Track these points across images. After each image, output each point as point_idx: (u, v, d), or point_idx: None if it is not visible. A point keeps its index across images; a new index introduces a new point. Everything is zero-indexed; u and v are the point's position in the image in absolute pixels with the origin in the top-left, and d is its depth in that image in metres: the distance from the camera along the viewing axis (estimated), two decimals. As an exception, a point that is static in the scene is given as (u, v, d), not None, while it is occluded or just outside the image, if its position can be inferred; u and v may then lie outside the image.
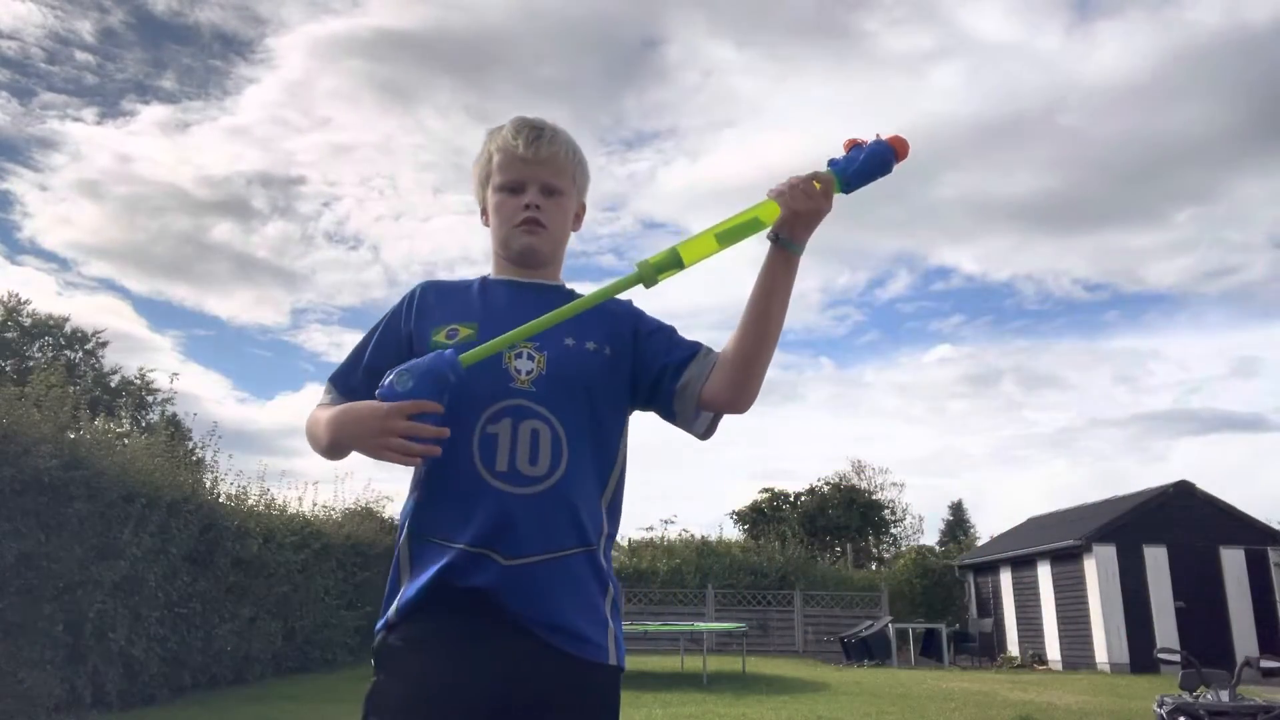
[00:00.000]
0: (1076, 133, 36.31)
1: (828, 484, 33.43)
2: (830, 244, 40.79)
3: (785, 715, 8.17)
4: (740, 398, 1.49)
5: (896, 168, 1.45)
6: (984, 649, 18.86)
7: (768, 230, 1.43)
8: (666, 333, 1.59)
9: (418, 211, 46.56)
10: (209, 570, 9.18)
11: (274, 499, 11.49)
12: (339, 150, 44.30)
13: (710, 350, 1.54)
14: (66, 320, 31.27)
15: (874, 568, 27.72)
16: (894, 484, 35.04)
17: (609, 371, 1.52)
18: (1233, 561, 16.52)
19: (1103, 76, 36.62)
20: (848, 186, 1.43)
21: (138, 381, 31.14)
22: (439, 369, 1.33)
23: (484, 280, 1.61)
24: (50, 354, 29.72)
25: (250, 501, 10.69)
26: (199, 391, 44.07)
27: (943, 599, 21.26)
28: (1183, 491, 17.04)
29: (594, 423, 1.49)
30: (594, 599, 1.44)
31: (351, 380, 1.54)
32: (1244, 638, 15.82)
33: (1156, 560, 16.31)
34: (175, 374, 50.39)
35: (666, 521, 35.96)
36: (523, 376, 1.45)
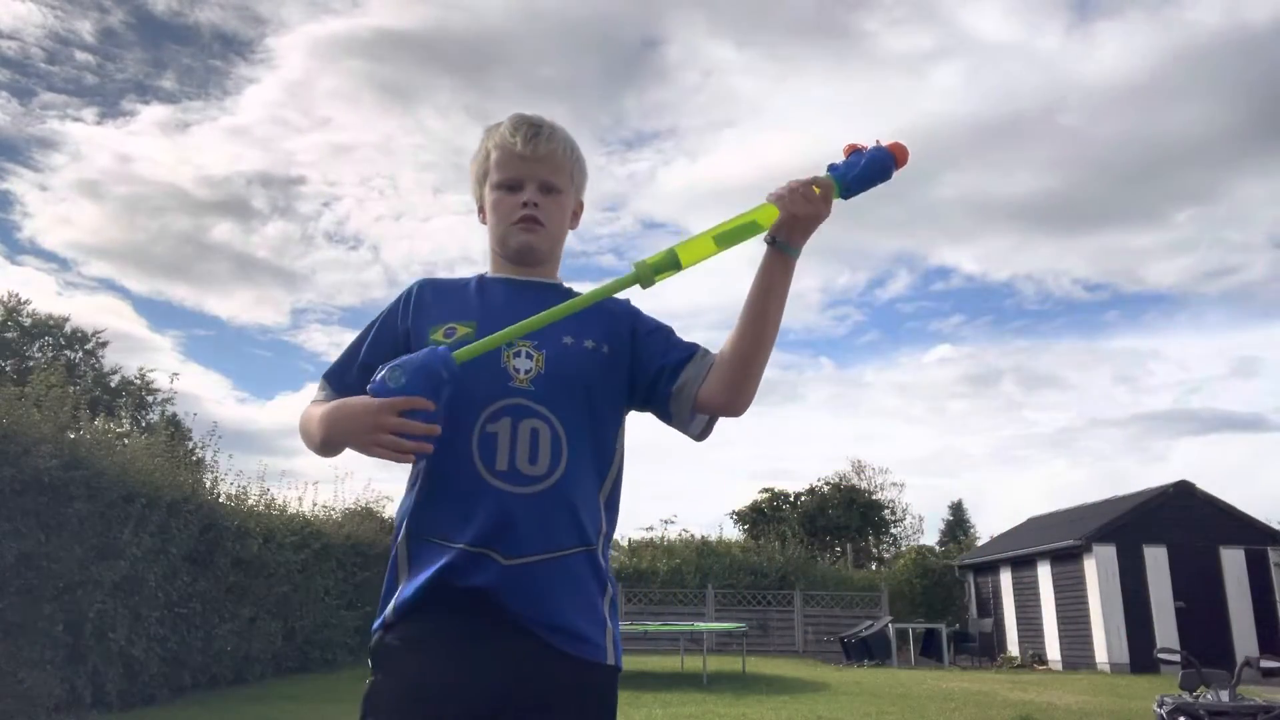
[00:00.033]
0: (1076, 133, 36.34)
1: (828, 484, 33.45)
2: (830, 244, 40.82)
3: (785, 715, 8.17)
4: (736, 400, 1.49)
5: (896, 174, 1.45)
6: (984, 649, 18.86)
7: (765, 233, 1.43)
8: (664, 333, 1.58)
9: (418, 211, 46.60)
10: (209, 570, 9.18)
11: (274, 499, 11.51)
12: (339, 150, 44.33)
13: (707, 352, 1.54)
14: (66, 320, 31.31)
15: (874, 568, 27.74)
16: (894, 484, 35.09)
17: (607, 370, 1.52)
18: (1233, 561, 16.52)
19: (1103, 76, 36.64)
20: (847, 192, 1.43)
21: (138, 381, 31.16)
22: (432, 365, 1.32)
23: (481, 278, 1.61)
24: (50, 354, 29.72)
25: (250, 501, 10.69)
26: (199, 391, 44.09)
27: (943, 599, 21.27)
28: (1183, 491, 17.04)
29: (593, 421, 1.48)
30: (593, 599, 1.44)
31: (346, 377, 1.53)
32: (1244, 638, 15.83)
33: (1156, 560, 16.32)
34: (175, 374, 50.46)
35: (666, 521, 36.00)
36: (521, 375, 1.45)
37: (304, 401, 1.58)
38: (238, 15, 41.15)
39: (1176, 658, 5.14)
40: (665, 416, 1.55)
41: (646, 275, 1.40)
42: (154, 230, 45.13)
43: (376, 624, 1.44)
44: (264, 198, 45.65)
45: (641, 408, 1.58)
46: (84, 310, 44.23)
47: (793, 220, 1.40)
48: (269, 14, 41.43)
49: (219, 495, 10.06)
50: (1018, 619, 18.85)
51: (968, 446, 51.86)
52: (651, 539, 22.82)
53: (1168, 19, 36.91)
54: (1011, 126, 38.98)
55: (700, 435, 1.55)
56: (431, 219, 45.10)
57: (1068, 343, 48.70)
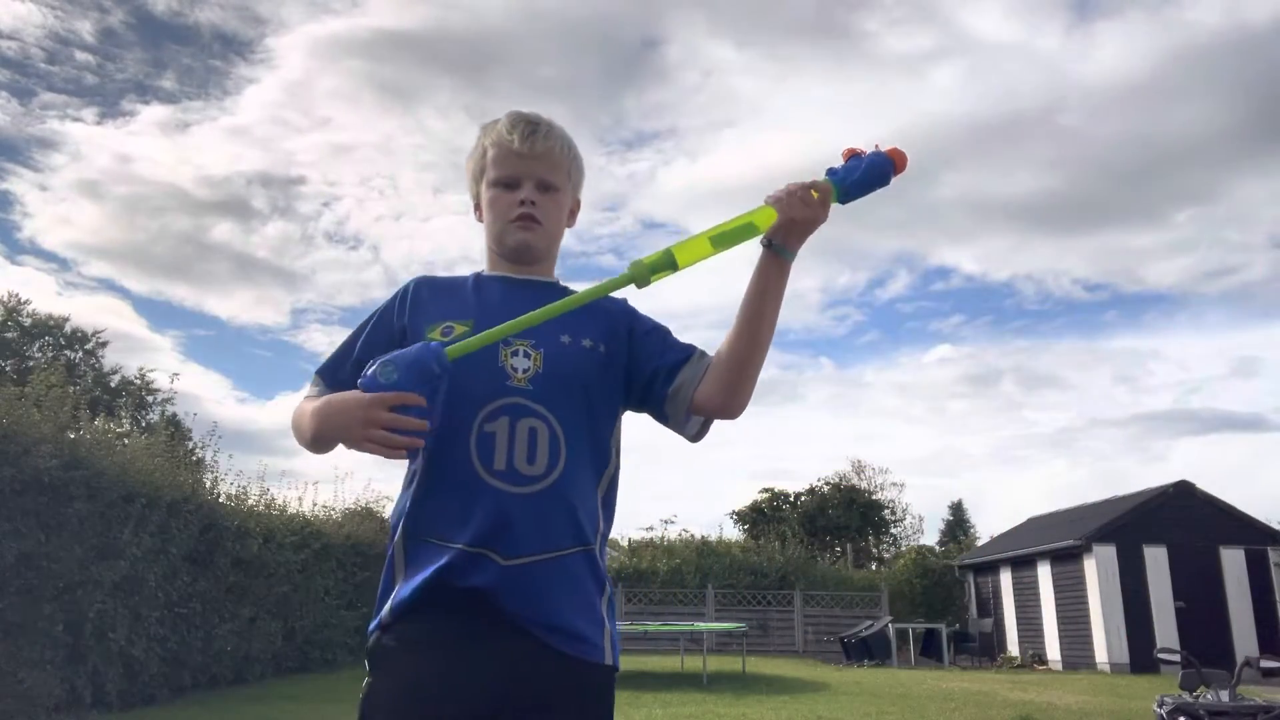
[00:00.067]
0: (1076, 133, 36.36)
1: (828, 484, 33.46)
2: (830, 244, 40.81)
3: (785, 715, 8.17)
4: (733, 402, 1.48)
5: (894, 180, 1.45)
6: (984, 649, 18.87)
7: (761, 236, 1.43)
8: (661, 334, 1.58)
9: (418, 211, 46.59)
10: (209, 570, 9.18)
11: (274, 499, 11.50)
12: (339, 150, 44.35)
13: (704, 354, 1.53)
14: (66, 320, 31.33)
15: (874, 568, 27.74)
16: (894, 484, 35.09)
17: (605, 370, 1.51)
18: (1233, 561, 16.52)
19: (1102, 76, 36.64)
20: (845, 197, 1.43)
21: (138, 381, 31.17)
22: (424, 361, 1.31)
23: (478, 277, 1.60)
24: (50, 354, 29.73)
25: (250, 501, 10.68)
26: (199, 391, 44.11)
27: (943, 599, 21.27)
28: (1183, 491, 17.04)
29: (590, 421, 1.48)
30: (591, 598, 1.44)
31: (340, 374, 1.52)
32: (1244, 638, 15.83)
33: (1156, 560, 16.32)
34: (176, 374, 50.45)
35: (666, 521, 35.94)
36: (519, 375, 1.44)
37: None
38: (238, 15, 41.19)
39: (1176, 658, 5.14)
40: (661, 417, 1.55)
41: (642, 275, 1.39)
42: (154, 230, 45.18)
43: (373, 625, 1.43)
44: (264, 198, 45.69)
45: (637, 408, 1.57)
46: (84, 310, 44.28)
47: (790, 224, 1.40)
48: (269, 14, 41.47)
49: (219, 495, 10.06)
50: (1018, 619, 18.85)
51: (968, 446, 51.89)
52: (651, 539, 22.85)
53: (1167, 19, 36.95)
54: (1011, 126, 39.02)
55: (696, 437, 1.55)
56: (431, 219, 45.10)
57: (1068, 343, 48.74)
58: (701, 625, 14.84)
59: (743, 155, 41.01)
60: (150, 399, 30.70)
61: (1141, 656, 14.90)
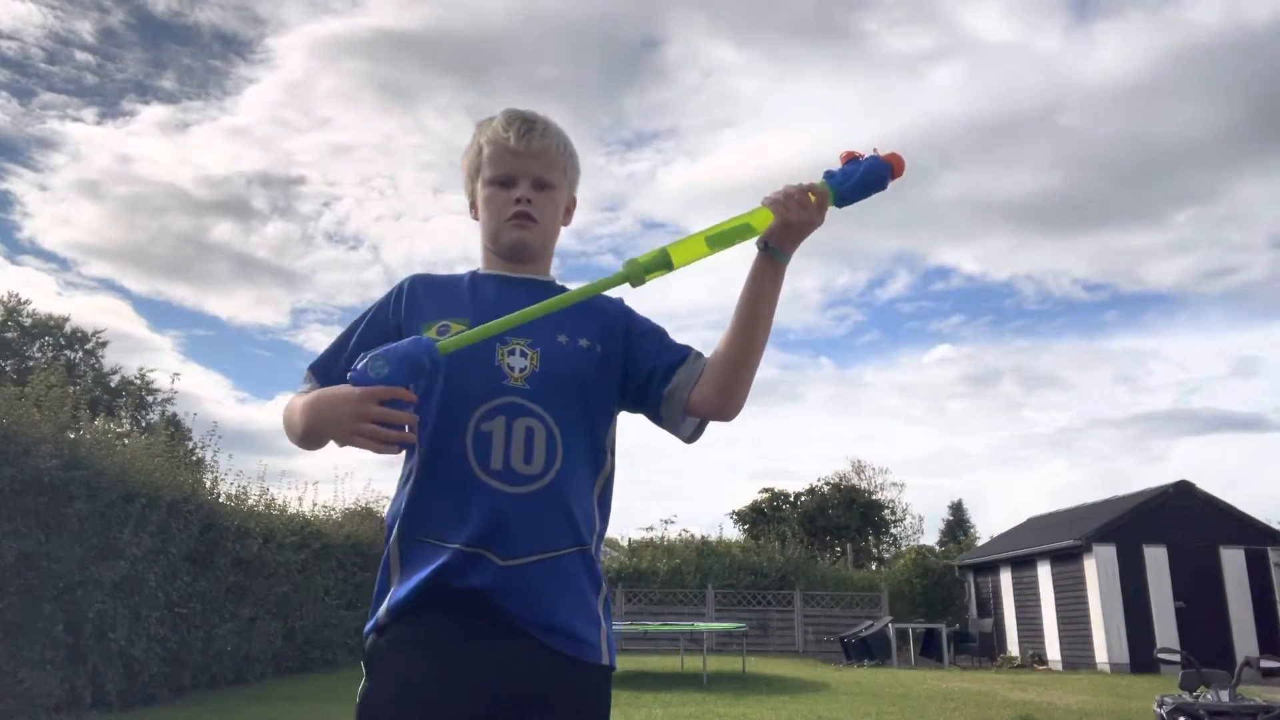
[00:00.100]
0: (1076, 133, 36.33)
1: (828, 484, 33.45)
2: (830, 244, 40.79)
3: (785, 715, 8.17)
4: (728, 404, 1.48)
5: (891, 185, 1.45)
6: (984, 649, 18.86)
7: (757, 238, 1.42)
8: (658, 335, 1.57)
9: (418, 211, 46.59)
10: (209, 570, 9.18)
11: (274, 499, 11.51)
12: (339, 150, 44.35)
13: (700, 355, 1.53)
14: (66, 320, 31.34)
15: (874, 568, 27.73)
16: (894, 484, 35.08)
17: (601, 369, 1.51)
18: (1233, 561, 16.52)
19: (1102, 76, 36.63)
20: (842, 201, 1.43)
21: (138, 381, 31.18)
22: (416, 355, 1.30)
23: (474, 275, 1.59)
24: (50, 354, 29.73)
25: (250, 501, 10.69)
26: (199, 391, 44.12)
27: (943, 599, 21.26)
28: (1183, 491, 17.04)
29: (587, 420, 1.47)
30: (587, 598, 1.43)
31: (333, 371, 1.50)
32: (1244, 638, 15.82)
33: (1156, 560, 16.31)
34: (176, 374, 50.41)
35: (666, 521, 36.03)
36: (516, 374, 1.43)
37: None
38: (238, 15, 41.19)
39: (1176, 658, 5.14)
40: (656, 419, 1.55)
41: (637, 274, 1.39)
42: (154, 230, 45.19)
43: (369, 626, 1.42)
44: (264, 198, 45.70)
45: (632, 409, 1.57)
46: (84, 310, 44.30)
47: (786, 226, 1.39)
48: (269, 14, 41.46)
49: (219, 495, 10.06)
50: (1018, 619, 18.85)
51: (968, 446, 51.90)
52: (651, 539, 22.85)
53: (1167, 19, 36.94)
54: (1011, 126, 39.02)
55: (691, 438, 1.54)
56: (431, 219, 45.07)
57: (1068, 343, 48.75)
58: (701, 625, 14.83)
59: (743, 155, 41.06)
60: (150, 399, 30.72)
61: (1141, 656, 14.90)
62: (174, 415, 25.63)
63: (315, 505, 13.02)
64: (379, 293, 1.60)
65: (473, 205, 1.62)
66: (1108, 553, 16.31)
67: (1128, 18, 37.49)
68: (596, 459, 1.50)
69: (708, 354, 1.52)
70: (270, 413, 45.61)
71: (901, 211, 35.09)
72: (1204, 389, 49.80)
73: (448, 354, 1.33)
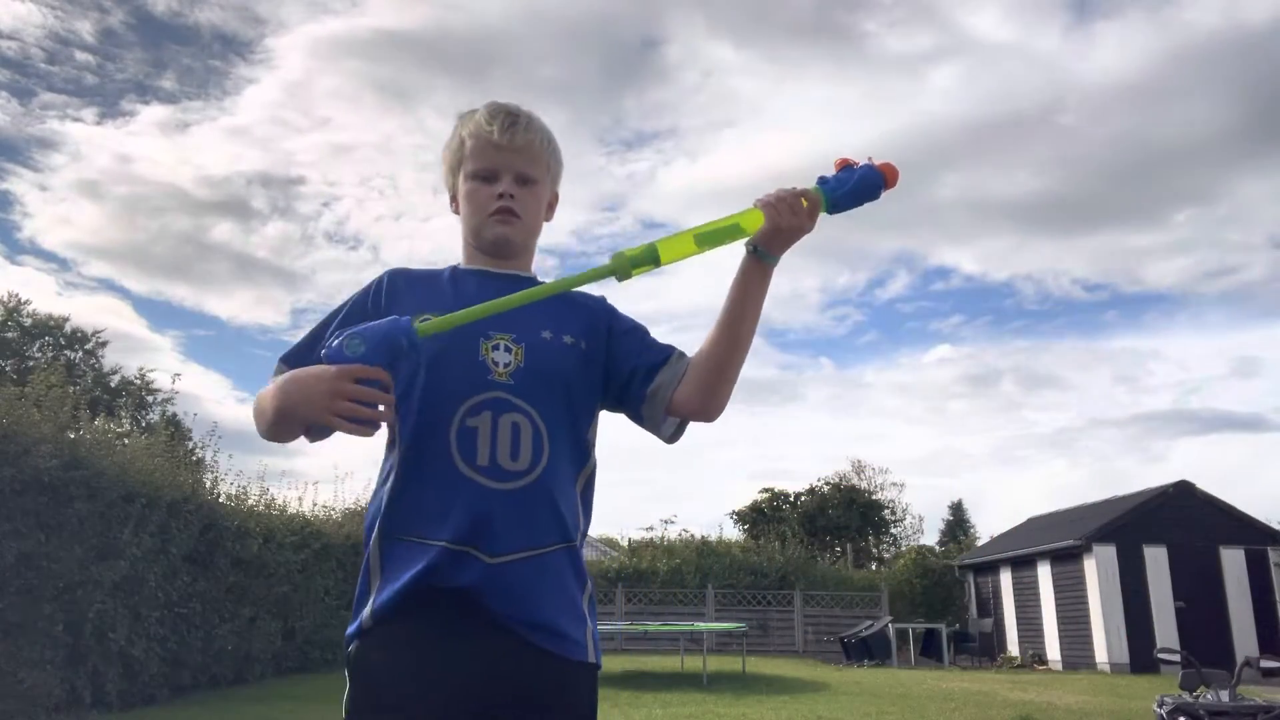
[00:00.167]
0: (1075, 133, 36.35)
1: (828, 484, 33.45)
2: (830, 244, 40.78)
3: (785, 715, 8.17)
4: (711, 405, 1.47)
5: (883, 194, 1.45)
6: (984, 649, 18.86)
7: (746, 239, 1.42)
8: (639, 334, 1.56)
9: (418, 211, 46.57)
10: (209, 570, 9.18)
11: (274, 499, 11.52)
12: (339, 150, 44.39)
13: (683, 355, 1.52)
14: (66, 320, 31.35)
15: (874, 568, 27.73)
16: (894, 484, 35.10)
17: (585, 366, 1.49)
18: (1233, 561, 16.51)
19: (1101, 77, 36.66)
20: (834, 207, 1.43)
21: (138, 381, 31.19)
22: (393, 335, 1.27)
23: (454, 269, 1.57)
24: (50, 354, 29.73)
25: (250, 501, 10.69)
26: (199, 391, 44.17)
27: (943, 599, 21.26)
28: (1183, 491, 17.04)
29: (570, 416, 1.46)
30: (574, 595, 1.42)
31: (306, 363, 1.43)
32: (1244, 638, 15.82)
33: (1156, 560, 16.31)
34: (177, 374, 50.43)
35: (666, 521, 36.10)
36: (501, 369, 1.41)
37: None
38: (238, 15, 41.22)
39: (1176, 658, 5.14)
40: (637, 418, 1.53)
41: (624, 268, 1.38)
42: (154, 230, 45.22)
43: (351, 630, 1.39)
44: (264, 198, 45.73)
45: (613, 407, 1.55)
46: (84, 310, 44.35)
47: (776, 230, 1.39)
48: (268, 14, 41.49)
49: (219, 495, 10.06)
50: (1018, 619, 18.85)
51: (968, 446, 51.95)
52: (651, 539, 22.85)
53: (1166, 19, 36.95)
54: (1010, 127, 39.02)
55: (671, 438, 1.53)
56: (431, 219, 45.01)
57: (1067, 343, 48.81)
58: (701, 625, 14.83)
59: (742, 155, 41.04)
60: (150, 399, 30.72)
61: (1141, 656, 14.90)
62: (174, 415, 25.65)
63: (315, 505, 13.05)
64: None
65: (453, 199, 1.60)
66: (1108, 553, 16.31)
67: (1127, 18, 37.54)
68: (580, 456, 1.49)
69: (691, 355, 1.51)
70: (270, 413, 45.57)
71: (901, 211, 35.11)
72: (1204, 389, 49.87)
73: (426, 336, 1.30)
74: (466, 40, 40.25)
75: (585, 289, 1.51)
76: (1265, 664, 5.56)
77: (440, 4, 39.73)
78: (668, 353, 1.52)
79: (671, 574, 20.19)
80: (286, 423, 1.35)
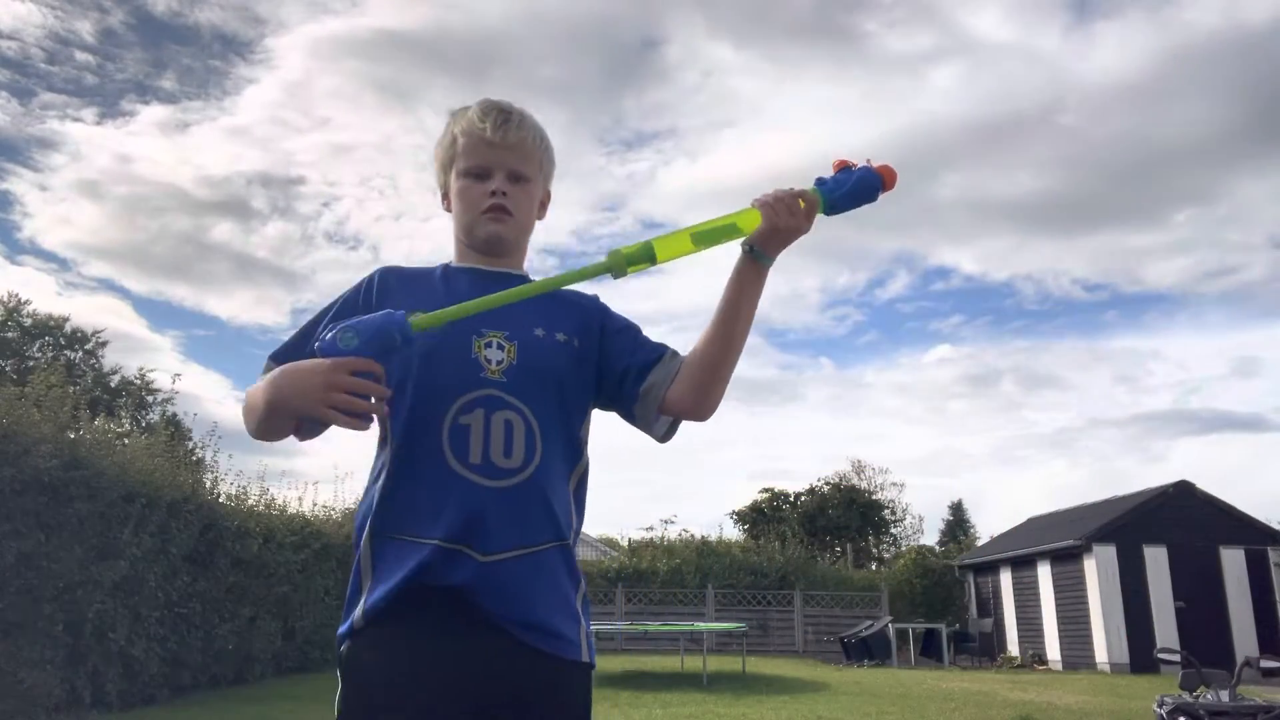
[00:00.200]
0: (1075, 133, 36.35)
1: (828, 484, 33.46)
2: (830, 244, 40.80)
3: (785, 715, 8.17)
4: (704, 404, 1.47)
5: (881, 197, 1.45)
6: (984, 649, 18.86)
7: (742, 239, 1.42)
8: (632, 333, 1.56)
9: (418, 211, 46.55)
10: (209, 570, 9.18)
11: (274, 499, 11.51)
12: (339, 150, 44.40)
13: (676, 353, 1.51)
14: (66, 320, 31.36)
15: (874, 568, 27.74)
16: (894, 484, 35.12)
17: (578, 364, 1.49)
18: (1233, 561, 16.51)
19: (1102, 77, 36.66)
20: (832, 209, 1.43)
21: (138, 381, 31.19)
22: (387, 329, 1.26)
23: (446, 268, 1.56)
24: (50, 354, 29.74)
25: (250, 501, 10.69)
26: (199, 391, 44.24)
27: (943, 599, 21.26)
28: (1183, 491, 17.04)
29: (563, 414, 1.45)
30: (567, 594, 1.41)
31: (296, 360, 1.43)
32: (1244, 638, 15.82)
33: (1156, 560, 16.31)
34: (177, 374, 50.45)
35: (666, 521, 36.08)
36: (493, 366, 1.41)
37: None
38: (237, 15, 41.22)
39: (1176, 658, 5.14)
40: (629, 417, 1.53)
41: (620, 265, 1.37)
42: (154, 230, 45.24)
43: (343, 630, 1.38)
44: (264, 198, 45.74)
45: (606, 406, 1.55)
46: (84, 310, 44.36)
47: (773, 231, 1.38)
48: (268, 14, 41.50)
49: (219, 495, 10.06)
50: (1018, 619, 18.85)
51: (968, 446, 51.98)
52: (651, 539, 22.85)
53: (1166, 19, 36.95)
54: (1011, 127, 39.02)
55: (664, 437, 1.53)
56: (431, 219, 45.04)
57: (1067, 343, 48.83)
58: (701, 625, 14.83)
59: (742, 155, 41.03)
60: (150, 399, 30.72)
61: (1141, 656, 14.90)
62: (174, 415, 25.62)
63: (315, 505, 13.03)
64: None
65: (445, 196, 1.59)
66: (1108, 553, 16.31)
67: (1127, 18, 37.54)
68: (573, 454, 1.48)
69: (684, 354, 1.51)
70: (270, 413, 45.57)
71: (901, 211, 35.11)
72: (1204, 389, 49.90)
73: (419, 331, 1.30)
74: (466, 40, 40.28)
75: (578, 287, 1.51)
76: (1265, 664, 5.56)
77: (440, 4, 39.76)
78: (660, 351, 1.52)
79: (671, 574, 20.20)
80: (278, 417, 1.34)
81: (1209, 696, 4.80)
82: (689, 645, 15.57)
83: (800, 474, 60.30)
